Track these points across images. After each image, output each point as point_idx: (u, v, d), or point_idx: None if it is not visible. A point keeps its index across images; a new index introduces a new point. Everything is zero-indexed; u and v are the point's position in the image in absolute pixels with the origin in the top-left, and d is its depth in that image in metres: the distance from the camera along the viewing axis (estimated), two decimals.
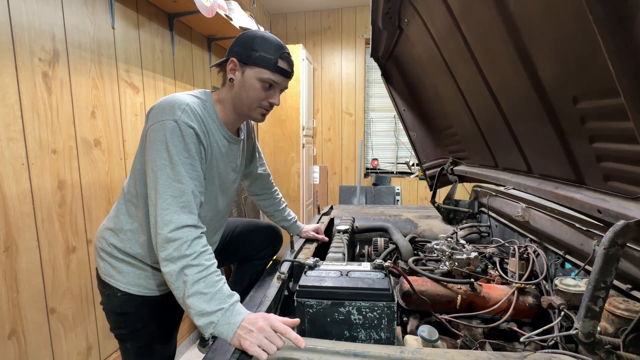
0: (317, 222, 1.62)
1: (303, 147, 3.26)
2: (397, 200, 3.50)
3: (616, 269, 0.52)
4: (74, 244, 1.30)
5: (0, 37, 1.03)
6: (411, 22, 1.19)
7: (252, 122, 1.15)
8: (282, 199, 1.36)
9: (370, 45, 1.50)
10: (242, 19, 2.30)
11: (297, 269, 1.01)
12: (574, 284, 0.80)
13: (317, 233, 1.41)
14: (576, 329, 0.55)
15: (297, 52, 3.09)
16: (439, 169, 1.80)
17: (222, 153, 0.92)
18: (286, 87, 0.93)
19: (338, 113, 3.71)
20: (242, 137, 1.03)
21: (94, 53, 1.38)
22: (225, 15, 2.07)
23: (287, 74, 0.89)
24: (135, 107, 1.65)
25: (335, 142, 3.76)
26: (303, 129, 3.23)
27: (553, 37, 0.62)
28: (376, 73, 3.50)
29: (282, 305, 0.98)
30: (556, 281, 0.84)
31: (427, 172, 2.03)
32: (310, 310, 0.84)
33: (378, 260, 0.95)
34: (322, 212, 1.83)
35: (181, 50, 2.02)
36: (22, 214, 1.11)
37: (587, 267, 0.82)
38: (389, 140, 3.73)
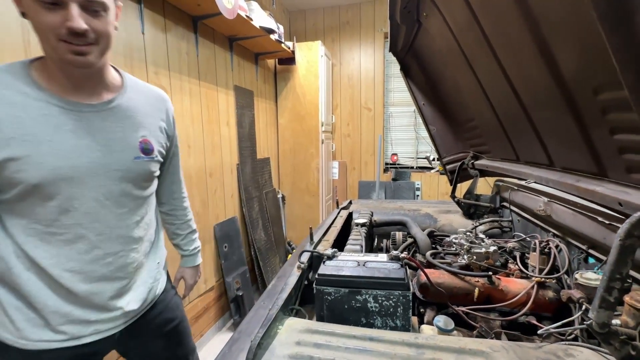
0: (336, 217, 1.65)
1: (322, 142, 3.29)
2: (417, 196, 3.47)
3: (632, 260, 0.52)
4: None
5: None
6: (430, 16, 1.19)
7: (167, 105, 0.95)
8: (191, 222, 1.14)
9: (388, 40, 1.51)
10: (262, 19, 2.35)
11: (316, 260, 1.05)
12: (595, 277, 0.79)
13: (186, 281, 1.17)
14: (590, 319, 0.56)
15: (316, 49, 3.11)
16: (459, 163, 1.78)
17: (50, 124, 0.68)
18: (92, 3, 0.65)
19: (357, 108, 3.72)
20: (111, 102, 0.76)
21: (127, 57, 1.47)
22: (246, 15, 2.14)
23: None
24: None
25: (354, 138, 3.76)
26: (322, 125, 3.26)
27: (572, 28, 0.62)
28: (395, 67, 3.47)
29: (302, 294, 1.03)
30: (576, 275, 0.83)
31: (448, 167, 2.01)
32: (329, 297, 0.88)
33: (394, 252, 0.97)
34: (340, 207, 1.86)
35: (205, 51, 2.10)
36: None
37: None
38: (408, 135, 3.69)
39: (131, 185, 0.82)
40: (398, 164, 3.72)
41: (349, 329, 0.73)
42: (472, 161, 1.71)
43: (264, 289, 2.24)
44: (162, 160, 0.92)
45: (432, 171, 3.50)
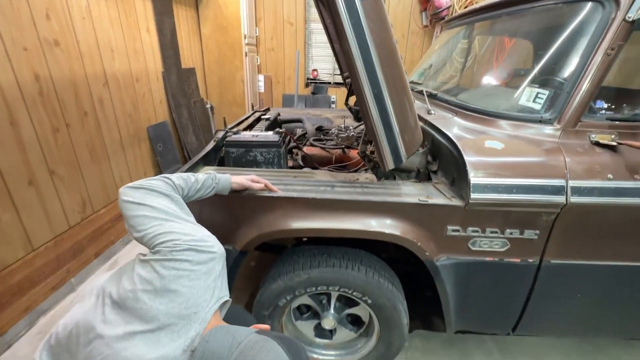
0: (249, 115, 2.14)
1: (246, 55, 3.52)
2: (332, 107, 4.05)
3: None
4: (56, 125, 1.71)
5: None
6: None
7: None
8: (171, 175, 0.93)
9: None
10: None
11: (226, 135, 1.57)
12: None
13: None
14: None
15: None
16: None
17: None
18: None
19: (280, 23, 3.88)
20: None
21: None
22: None
23: None
24: (82, 9, 1.86)
25: (278, 52, 4.01)
26: (245, 37, 3.44)
27: None
28: None
29: (219, 160, 1.56)
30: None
31: (347, 80, 2.55)
32: (233, 155, 1.43)
33: (277, 129, 1.53)
34: (255, 109, 2.33)
35: None
36: (14, 97, 1.48)
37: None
38: (328, 52, 4.06)
39: None
40: (318, 80, 4.16)
41: (250, 170, 1.31)
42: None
43: None
44: None
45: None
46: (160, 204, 0.80)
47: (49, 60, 1.65)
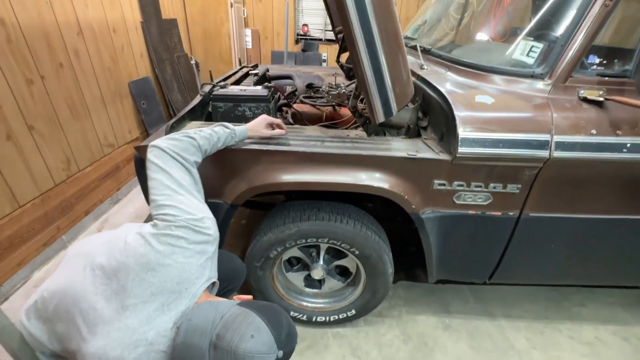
0: (237, 70, 2.05)
1: (232, 6, 3.29)
2: (323, 66, 3.91)
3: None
4: (30, 77, 1.61)
5: None
6: None
7: None
8: (196, 135, 0.93)
9: None
10: None
11: (212, 88, 1.51)
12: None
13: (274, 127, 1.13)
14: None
15: None
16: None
17: None
18: None
19: None
20: None
21: None
22: None
23: None
24: None
25: (266, 4, 3.76)
26: None
27: None
28: None
29: (207, 115, 1.52)
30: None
31: (338, 35, 2.43)
32: (220, 110, 1.39)
33: (266, 84, 1.48)
34: (242, 65, 2.23)
35: None
36: None
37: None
38: (319, 5, 3.83)
39: None
40: (308, 36, 3.96)
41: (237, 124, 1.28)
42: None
43: None
44: None
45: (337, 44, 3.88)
46: (177, 174, 0.83)
47: (13, 4, 1.51)
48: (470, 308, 1.62)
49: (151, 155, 0.85)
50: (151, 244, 0.73)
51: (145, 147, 0.90)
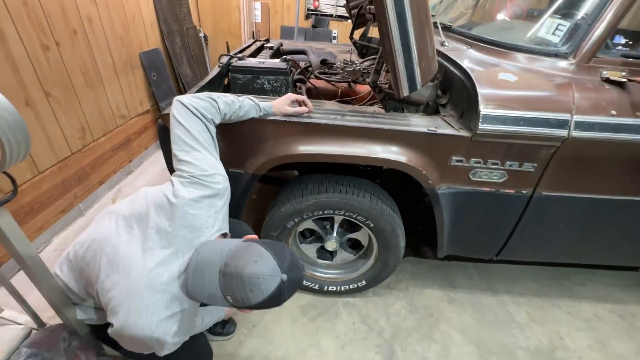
0: (251, 44, 2.02)
1: None
2: (334, 42, 3.83)
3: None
4: (46, 43, 1.60)
5: None
6: None
7: None
8: (218, 99, 0.98)
9: None
10: None
11: (230, 60, 1.51)
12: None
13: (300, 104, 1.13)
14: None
15: None
16: (359, 7, 2.13)
17: None
18: None
19: None
20: None
21: None
22: None
23: None
24: None
25: None
26: None
27: None
28: None
29: (224, 87, 1.52)
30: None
31: (352, 11, 2.37)
32: (239, 82, 1.40)
33: (284, 57, 1.47)
34: (256, 39, 2.20)
35: None
36: None
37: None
38: None
39: None
40: (319, 11, 3.86)
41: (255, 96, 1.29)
42: (369, 6, 2.09)
43: None
44: None
45: (348, 21, 3.78)
46: (195, 130, 0.90)
47: None
48: (474, 284, 1.69)
49: (174, 110, 0.91)
50: (168, 197, 0.81)
51: (168, 115, 0.93)
